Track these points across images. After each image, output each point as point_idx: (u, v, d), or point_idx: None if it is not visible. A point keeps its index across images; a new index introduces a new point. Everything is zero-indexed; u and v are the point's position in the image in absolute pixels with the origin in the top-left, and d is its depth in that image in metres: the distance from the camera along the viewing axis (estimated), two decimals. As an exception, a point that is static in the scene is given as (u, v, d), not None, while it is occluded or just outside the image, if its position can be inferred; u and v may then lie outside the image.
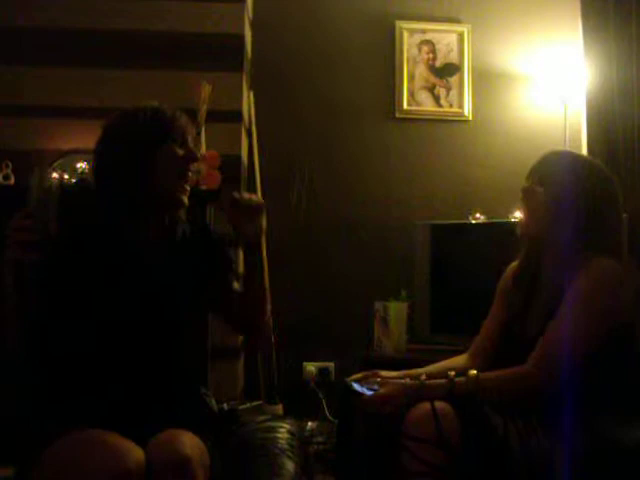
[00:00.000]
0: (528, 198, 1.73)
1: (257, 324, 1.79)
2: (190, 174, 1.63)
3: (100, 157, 1.60)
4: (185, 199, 1.61)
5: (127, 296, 1.56)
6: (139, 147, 1.56)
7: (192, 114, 2.88)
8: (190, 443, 1.39)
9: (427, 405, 1.47)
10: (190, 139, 1.64)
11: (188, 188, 1.62)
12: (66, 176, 2.92)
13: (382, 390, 1.62)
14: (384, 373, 1.79)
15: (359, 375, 1.78)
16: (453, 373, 1.60)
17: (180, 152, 1.60)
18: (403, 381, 1.65)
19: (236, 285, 1.76)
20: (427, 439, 1.42)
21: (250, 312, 1.74)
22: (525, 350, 1.62)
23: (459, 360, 1.87)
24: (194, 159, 1.62)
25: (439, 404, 1.46)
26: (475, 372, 1.58)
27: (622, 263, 1.62)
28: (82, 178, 2.90)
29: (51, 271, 1.49)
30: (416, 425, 1.45)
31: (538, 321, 1.65)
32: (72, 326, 1.53)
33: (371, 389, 1.67)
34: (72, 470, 1.31)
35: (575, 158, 1.78)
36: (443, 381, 1.59)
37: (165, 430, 1.42)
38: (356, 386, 1.71)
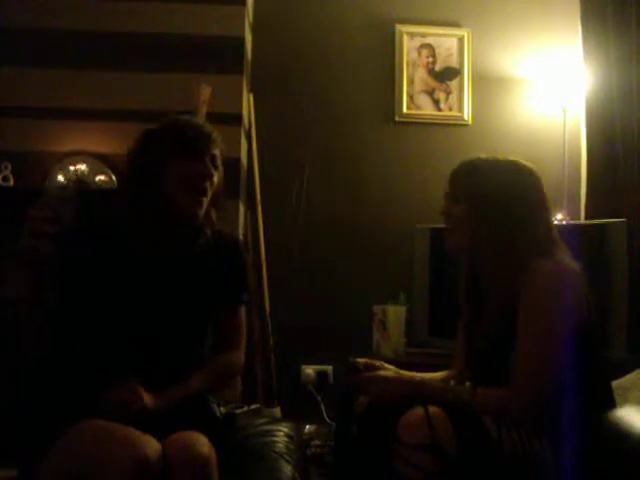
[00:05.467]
0: (447, 219, 1.70)
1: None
2: (207, 187, 1.63)
3: (126, 164, 1.66)
4: (198, 211, 1.62)
5: (136, 299, 1.59)
6: (151, 160, 1.60)
7: (191, 116, 2.90)
8: (207, 444, 1.41)
9: (420, 410, 1.45)
10: (213, 155, 1.65)
11: (203, 200, 1.63)
12: (62, 179, 2.93)
13: (381, 372, 1.66)
14: (386, 365, 1.81)
15: (363, 360, 1.79)
16: (452, 382, 1.62)
17: (191, 168, 1.61)
18: (403, 372, 1.70)
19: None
20: (421, 445, 1.40)
21: None
22: (482, 359, 1.64)
23: (449, 374, 1.87)
24: (206, 176, 1.63)
25: (433, 409, 1.45)
26: (470, 384, 1.58)
27: (562, 261, 1.58)
28: (80, 180, 2.91)
29: (67, 265, 1.51)
30: (410, 430, 1.44)
31: (487, 333, 1.64)
32: (82, 324, 1.56)
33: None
34: (90, 457, 1.31)
35: (486, 165, 1.68)
36: (441, 384, 1.60)
37: (178, 431, 1.43)
38: (352, 359, 1.75)
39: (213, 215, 1.70)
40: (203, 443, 1.41)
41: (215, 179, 1.66)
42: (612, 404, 1.62)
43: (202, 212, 1.64)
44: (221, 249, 1.73)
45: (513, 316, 1.56)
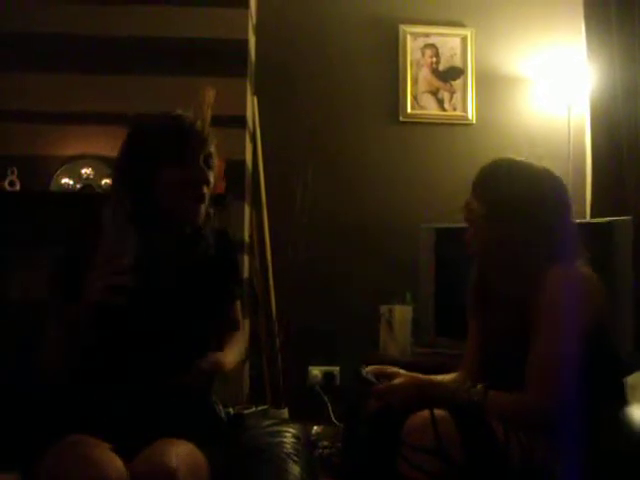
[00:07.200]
0: (467, 214, 1.69)
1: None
2: (204, 193, 1.55)
3: (114, 170, 1.62)
4: (197, 219, 1.56)
5: (135, 310, 1.51)
6: (140, 167, 1.53)
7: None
8: (181, 454, 1.35)
9: (426, 413, 1.44)
10: (208, 154, 1.57)
11: (199, 206, 1.56)
12: (71, 182, 2.94)
13: (395, 381, 1.62)
14: (397, 370, 1.78)
15: (373, 367, 1.75)
16: (469, 383, 1.60)
17: (184, 175, 1.53)
18: (415, 374, 1.67)
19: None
20: (426, 448, 1.39)
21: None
22: (500, 367, 1.61)
23: (456, 377, 1.83)
24: (202, 181, 1.55)
25: (438, 412, 1.44)
26: (482, 386, 1.56)
27: (580, 268, 1.56)
28: (88, 185, 2.92)
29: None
30: (415, 433, 1.43)
31: (506, 338, 1.62)
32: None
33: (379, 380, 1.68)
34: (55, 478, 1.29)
35: (511, 166, 1.68)
36: (456, 385, 1.59)
37: (156, 441, 1.38)
38: (364, 373, 1.69)
39: (211, 212, 1.63)
40: (171, 454, 1.33)
41: (212, 180, 1.58)
42: (624, 404, 1.60)
43: (201, 218, 1.57)
44: (217, 248, 1.67)
45: (526, 319, 1.54)
